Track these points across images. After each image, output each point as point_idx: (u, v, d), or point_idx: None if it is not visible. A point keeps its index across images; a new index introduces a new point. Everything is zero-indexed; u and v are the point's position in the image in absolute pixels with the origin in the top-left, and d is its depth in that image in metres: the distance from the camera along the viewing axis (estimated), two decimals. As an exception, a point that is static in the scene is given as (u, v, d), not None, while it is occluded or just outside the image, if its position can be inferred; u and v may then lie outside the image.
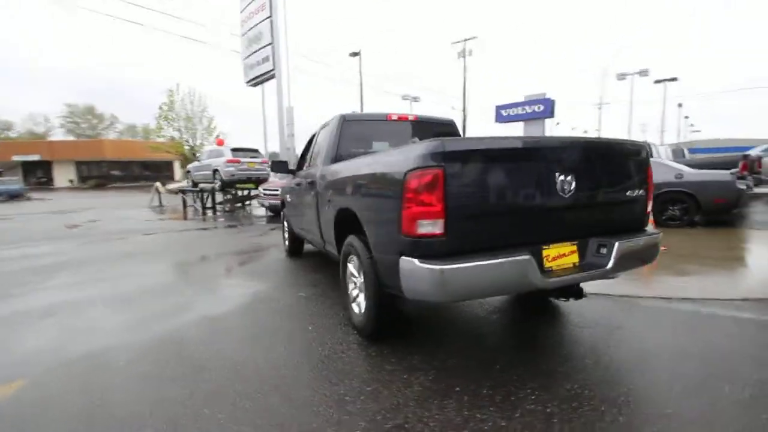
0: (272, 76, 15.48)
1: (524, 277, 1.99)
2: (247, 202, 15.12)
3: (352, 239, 2.79)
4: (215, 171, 13.32)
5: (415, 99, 29.00)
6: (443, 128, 4.18)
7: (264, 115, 20.21)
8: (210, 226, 9.81)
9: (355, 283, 2.91)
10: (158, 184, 16.60)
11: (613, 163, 2.37)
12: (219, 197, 14.04)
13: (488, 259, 1.92)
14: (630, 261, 2.34)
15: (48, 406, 2.05)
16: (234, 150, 13.19)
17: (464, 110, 27.98)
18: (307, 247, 5.94)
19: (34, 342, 2.91)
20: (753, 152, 10.07)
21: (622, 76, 28.59)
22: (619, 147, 2.45)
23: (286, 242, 5.93)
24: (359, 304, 2.83)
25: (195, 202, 14.47)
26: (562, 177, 2.12)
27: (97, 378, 2.33)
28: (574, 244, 2.26)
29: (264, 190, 11.21)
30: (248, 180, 13.53)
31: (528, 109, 19.07)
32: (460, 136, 4.20)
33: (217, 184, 13.29)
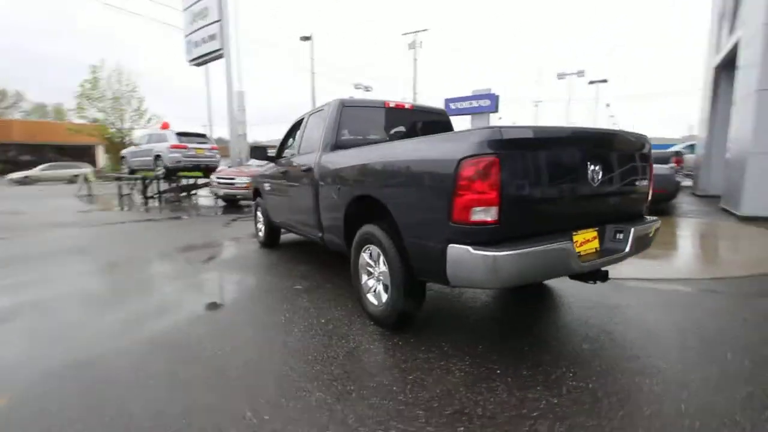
0: (220, 56, 14.46)
1: (566, 262, 2.09)
2: (194, 192, 14.10)
3: (371, 228, 2.72)
4: (157, 157, 12.23)
5: (367, 89, 28.83)
6: (436, 117, 4.20)
7: (209, 99, 18.91)
8: (158, 217, 9.00)
9: (371, 273, 2.84)
10: (87, 171, 14.88)
11: (631, 154, 2.55)
12: (161, 186, 12.91)
13: (538, 246, 1.98)
14: (638, 246, 2.53)
15: (50, 427, 1.74)
16: (180, 134, 12.17)
17: (414, 101, 28.32)
18: (284, 237, 5.70)
19: (2, 350, 2.49)
20: (677, 149, 11.40)
21: (561, 76, 30.81)
22: (635, 138, 2.63)
23: (260, 233, 5.64)
24: (377, 294, 2.77)
25: (132, 190, 13.20)
26: (593, 166, 2.24)
27: (99, 389, 2.03)
28: (595, 230, 2.40)
29: (217, 178, 10.52)
30: (196, 168, 12.62)
31: (475, 104, 19.87)
32: (451, 124, 4.25)
33: (161, 172, 12.21)
